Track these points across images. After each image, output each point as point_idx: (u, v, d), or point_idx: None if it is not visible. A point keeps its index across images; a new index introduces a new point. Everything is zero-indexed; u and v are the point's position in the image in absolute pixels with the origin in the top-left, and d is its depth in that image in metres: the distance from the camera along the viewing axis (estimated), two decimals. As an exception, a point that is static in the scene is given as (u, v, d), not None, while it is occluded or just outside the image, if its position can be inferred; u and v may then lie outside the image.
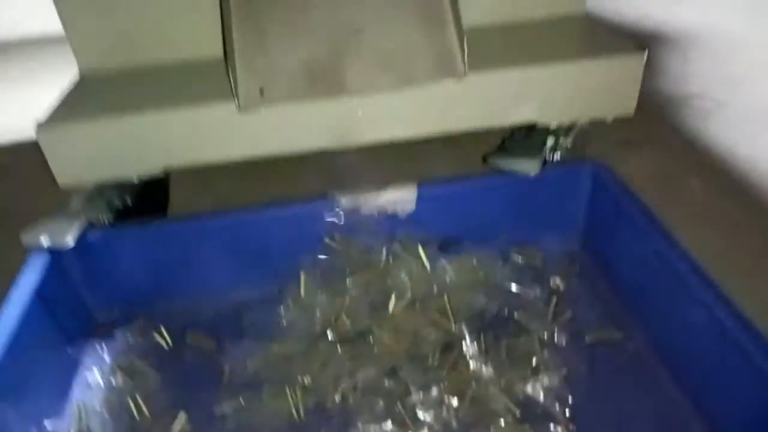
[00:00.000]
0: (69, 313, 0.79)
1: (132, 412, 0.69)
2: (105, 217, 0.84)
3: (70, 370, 0.76)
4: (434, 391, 0.64)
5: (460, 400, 0.64)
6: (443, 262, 0.79)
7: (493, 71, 0.78)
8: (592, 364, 0.70)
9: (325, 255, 0.81)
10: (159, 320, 0.81)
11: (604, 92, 0.83)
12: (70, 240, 0.78)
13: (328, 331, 0.73)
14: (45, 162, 0.79)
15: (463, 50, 0.75)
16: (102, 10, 0.87)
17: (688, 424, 0.63)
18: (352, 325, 0.73)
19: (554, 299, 0.77)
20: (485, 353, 0.69)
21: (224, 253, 0.83)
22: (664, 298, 0.71)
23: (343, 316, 0.73)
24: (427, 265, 0.79)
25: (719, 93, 1.33)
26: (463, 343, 0.69)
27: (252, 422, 0.66)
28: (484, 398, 0.64)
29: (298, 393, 0.67)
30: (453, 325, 0.72)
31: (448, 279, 0.77)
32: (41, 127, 0.77)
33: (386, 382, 0.66)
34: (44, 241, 0.78)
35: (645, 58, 0.80)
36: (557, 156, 0.88)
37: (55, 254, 0.78)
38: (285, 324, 0.75)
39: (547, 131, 0.88)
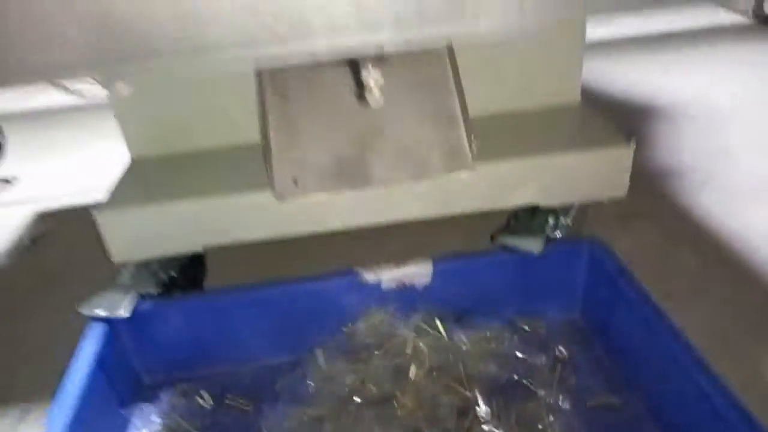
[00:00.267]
0: (121, 376, 0.88)
1: (179, 469, 0.77)
2: (153, 289, 0.94)
3: (121, 430, 0.84)
4: (452, 453, 0.72)
5: (475, 460, 0.72)
6: (458, 332, 0.88)
7: (497, 162, 0.89)
8: (593, 427, 0.77)
9: (350, 325, 0.90)
10: (200, 383, 0.90)
11: (597, 178, 0.93)
12: (124, 311, 0.88)
13: (355, 396, 0.81)
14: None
15: (471, 146, 0.86)
16: (152, 105, 0.99)
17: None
18: (377, 391, 0.81)
19: (558, 367, 0.86)
20: (497, 418, 0.77)
21: (258, 322, 0.93)
22: (657, 368, 0.79)
23: (369, 383, 0.82)
24: (444, 335, 0.88)
25: (710, 165, 1.43)
26: (477, 408, 0.77)
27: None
28: (496, 459, 0.72)
29: (330, 453, 0.75)
30: (468, 391, 0.80)
31: (463, 348, 0.85)
32: (101, 210, 0.88)
33: (409, 444, 0.74)
34: (101, 312, 0.88)
35: (633, 149, 0.91)
36: (558, 234, 0.98)
37: (110, 323, 0.88)
38: (316, 388, 0.84)
39: (548, 211, 0.98)
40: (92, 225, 0.87)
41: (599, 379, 0.85)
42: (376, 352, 0.86)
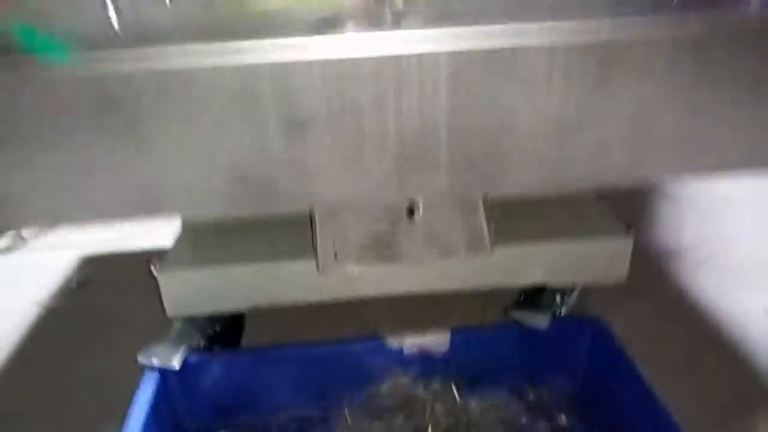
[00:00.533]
0: (167, 421, 0.99)
1: None
2: (199, 342, 1.06)
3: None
4: None
5: None
6: (471, 398, 0.98)
7: (511, 247, 1.02)
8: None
9: (375, 385, 1.01)
10: (237, 430, 1.00)
11: (599, 264, 1.05)
12: (176, 363, 0.99)
13: (378, 452, 0.92)
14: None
15: (490, 233, 0.99)
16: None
17: None
18: (396, 448, 0.92)
19: (559, 434, 0.95)
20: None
21: (291, 379, 1.04)
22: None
23: (390, 440, 0.92)
24: (458, 400, 0.98)
25: (708, 247, 1.54)
26: (485, 468, 0.87)
27: None
28: None
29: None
30: (477, 453, 0.90)
31: (474, 412, 0.96)
32: (161, 271, 1.00)
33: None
34: (156, 362, 0.99)
35: (632, 240, 1.03)
36: (564, 311, 1.09)
37: (161, 372, 0.99)
38: (343, 441, 0.94)
39: (555, 290, 1.10)
40: (136, 271, 0.99)
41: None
42: (396, 412, 0.96)
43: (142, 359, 1.00)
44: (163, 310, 1.04)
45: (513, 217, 1.12)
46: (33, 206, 0.44)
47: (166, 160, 0.43)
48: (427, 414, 0.95)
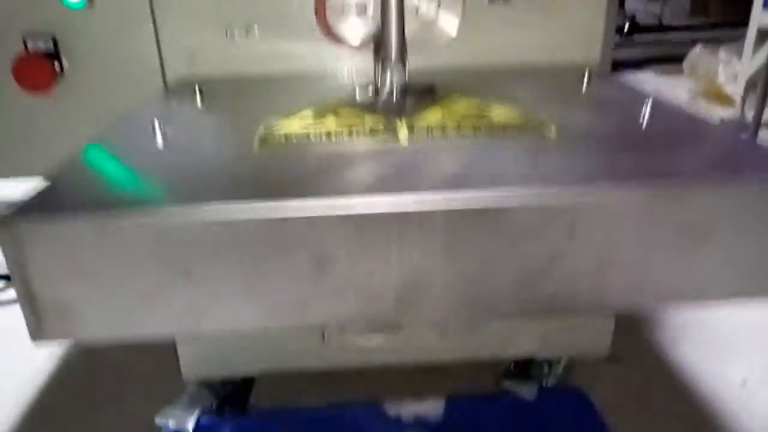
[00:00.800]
0: (181, 480, 1.07)
1: None
2: (211, 403, 1.14)
3: None
4: None
5: None
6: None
7: (504, 322, 1.11)
8: None
9: (374, 450, 1.09)
10: (245, 491, 1.07)
11: (583, 338, 1.14)
12: (190, 425, 1.08)
13: None
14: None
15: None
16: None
17: None
18: None
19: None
20: None
21: (297, 440, 1.12)
22: None
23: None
24: (450, 467, 1.06)
25: (691, 317, 1.63)
26: None
27: None
28: None
29: None
30: None
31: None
32: (183, 343, 1.09)
33: None
34: (172, 424, 1.07)
35: (614, 318, 1.12)
36: (551, 381, 1.18)
37: (177, 433, 1.07)
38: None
39: (542, 361, 1.19)
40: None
41: None
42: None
43: (159, 421, 1.08)
44: (179, 372, 1.13)
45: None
46: (91, 320, 0.54)
47: (213, 290, 0.54)
48: (422, 480, 1.03)
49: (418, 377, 1.27)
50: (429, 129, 0.71)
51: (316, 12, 0.90)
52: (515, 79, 1.01)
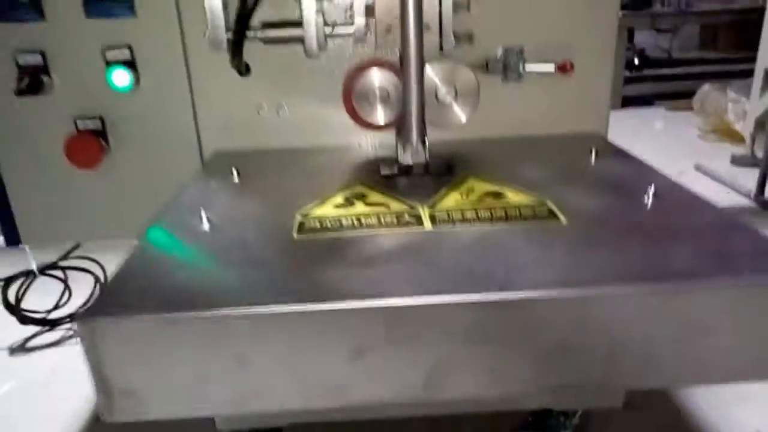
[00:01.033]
0: None
1: None
2: (244, 454, 1.20)
3: None
4: None
5: None
6: None
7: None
8: None
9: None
10: None
11: (599, 392, 1.19)
12: (224, 475, 1.13)
13: None
14: None
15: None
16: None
17: None
18: None
19: None
20: None
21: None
22: None
23: None
24: None
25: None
26: None
27: None
28: None
29: None
30: None
31: None
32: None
33: None
34: (207, 476, 1.13)
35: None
36: (567, 431, 1.22)
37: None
38: None
39: (559, 412, 1.23)
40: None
41: None
42: None
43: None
44: (213, 423, 1.19)
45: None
46: (156, 403, 0.61)
47: (263, 375, 0.61)
48: None
49: (438, 426, 1.32)
50: (449, 215, 0.78)
51: (344, 99, 0.98)
52: (527, 151, 1.08)
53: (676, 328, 0.59)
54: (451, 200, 0.84)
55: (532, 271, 0.64)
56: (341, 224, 0.77)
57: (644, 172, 0.92)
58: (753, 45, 2.99)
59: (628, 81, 4.22)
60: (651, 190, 0.80)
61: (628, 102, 4.06)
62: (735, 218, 0.74)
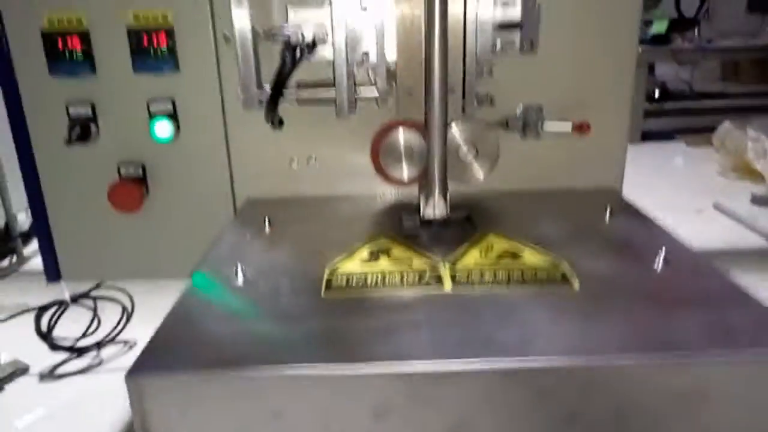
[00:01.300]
0: None
1: None
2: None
3: None
4: None
5: None
6: None
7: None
8: None
9: None
10: None
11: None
12: None
13: None
14: None
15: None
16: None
17: None
18: None
19: None
20: None
21: None
22: None
23: None
24: None
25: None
26: None
27: None
28: None
29: None
30: None
31: None
32: None
33: None
34: None
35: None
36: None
37: None
38: None
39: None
40: None
41: None
42: None
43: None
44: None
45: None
46: None
47: (296, 429, 0.66)
48: None
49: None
50: (469, 275, 0.83)
51: (372, 158, 1.04)
52: (544, 207, 1.13)
53: (675, 394, 0.64)
54: (471, 258, 0.89)
55: (544, 340, 0.69)
56: (366, 282, 0.83)
57: (656, 235, 0.97)
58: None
59: (648, 114, 4.25)
60: (662, 255, 0.84)
61: (647, 136, 4.08)
62: (740, 289, 0.78)
